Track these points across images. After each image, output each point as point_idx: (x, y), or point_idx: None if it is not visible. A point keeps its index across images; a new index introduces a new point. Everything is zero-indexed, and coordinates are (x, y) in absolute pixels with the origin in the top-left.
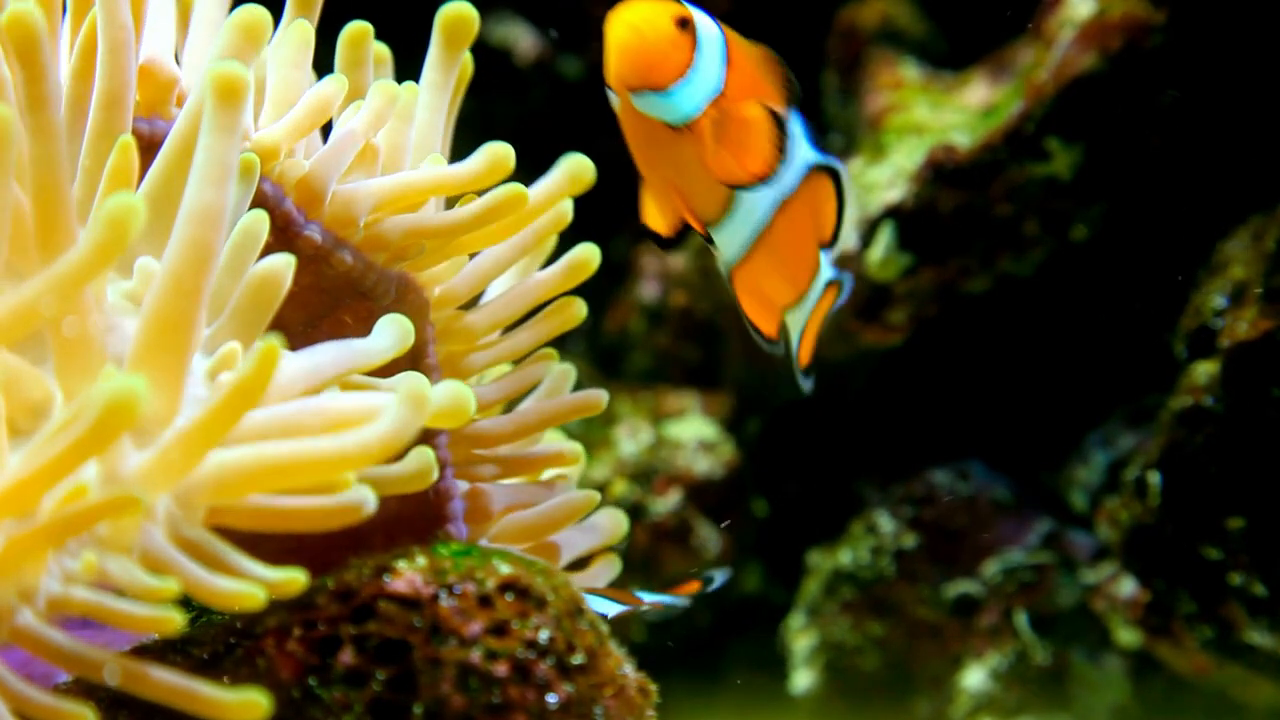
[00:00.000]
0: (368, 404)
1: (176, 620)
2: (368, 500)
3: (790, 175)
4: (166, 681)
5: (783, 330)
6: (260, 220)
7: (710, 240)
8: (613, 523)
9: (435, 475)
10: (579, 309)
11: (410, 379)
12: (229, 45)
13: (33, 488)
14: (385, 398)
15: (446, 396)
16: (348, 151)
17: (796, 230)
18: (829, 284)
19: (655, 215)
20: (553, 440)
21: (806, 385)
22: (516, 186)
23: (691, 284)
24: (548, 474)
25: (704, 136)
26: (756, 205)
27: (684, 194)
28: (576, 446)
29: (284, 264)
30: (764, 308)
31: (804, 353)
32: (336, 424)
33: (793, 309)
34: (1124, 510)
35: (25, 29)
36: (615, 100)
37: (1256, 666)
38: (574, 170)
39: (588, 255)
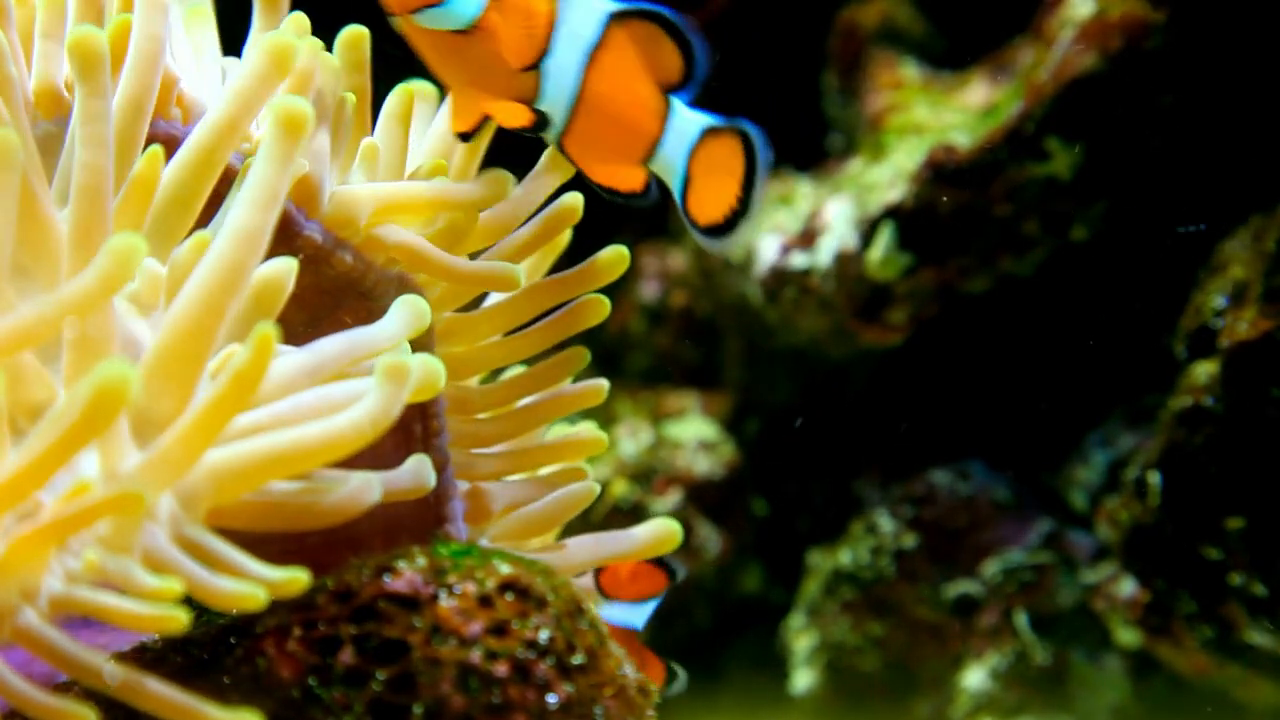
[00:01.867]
0: (356, 389)
1: (181, 619)
2: (373, 487)
3: (588, 30)
4: (163, 695)
5: (653, 183)
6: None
7: (536, 130)
8: (664, 532)
9: (432, 483)
10: (599, 308)
11: (388, 358)
12: (260, 71)
13: (29, 478)
14: (370, 381)
15: (417, 371)
16: (336, 149)
17: (615, 80)
18: (709, 130)
19: (458, 119)
20: (564, 429)
21: (707, 243)
22: (511, 270)
23: (691, 284)
24: (546, 471)
25: (494, 31)
26: (564, 72)
27: (492, 90)
28: (597, 433)
29: (286, 268)
30: (613, 165)
31: (696, 204)
32: (329, 412)
33: (651, 159)
34: (1124, 510)
35: (91, 49)
36: (398, 25)
37: (1256, 666)
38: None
39: (613, 259)
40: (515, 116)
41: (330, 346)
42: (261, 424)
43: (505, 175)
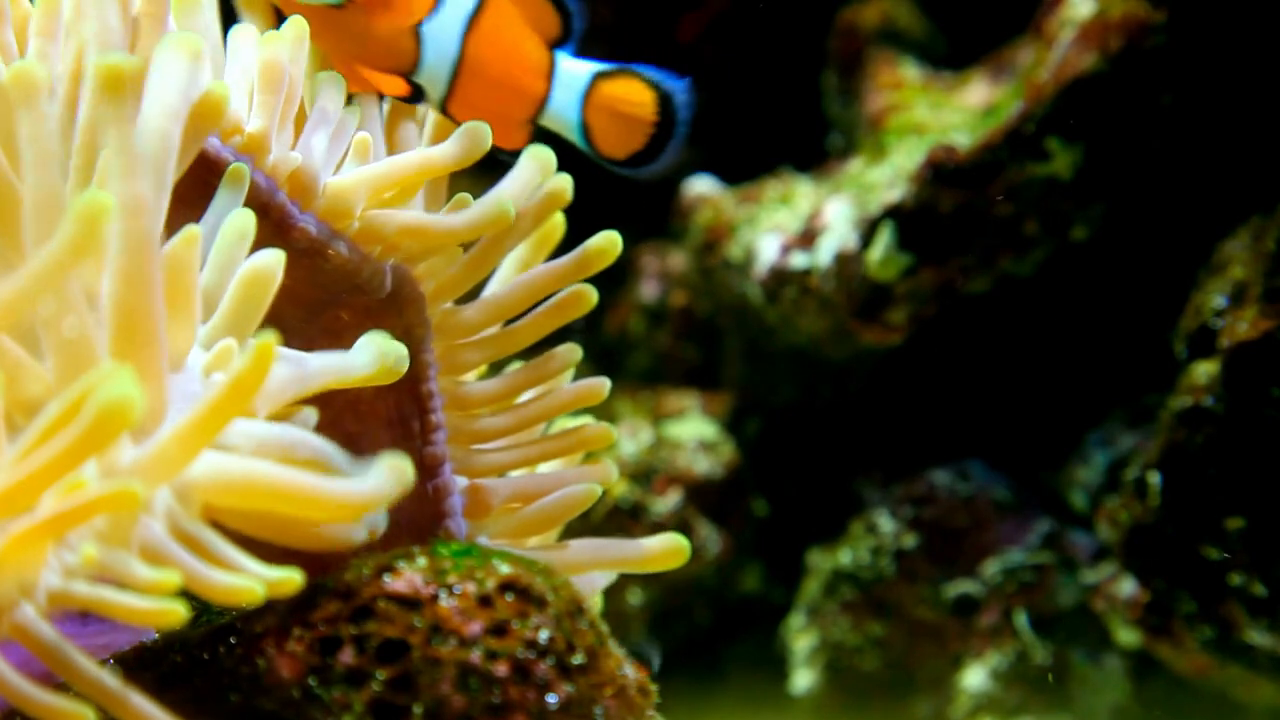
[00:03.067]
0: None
1: (179, 612)
2: (358, 533)
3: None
4: (144, 712)
5: (543, 135)
6: (247, 217)
7: (415, 101)
8: (671, 546)
9: (381, 529)
10: (587, 298)
11: (392, 459)
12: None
13: (27, 491)
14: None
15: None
16: (335, 142)
17: (495, 44)
18: (599, 75)
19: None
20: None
21: (633, 173)
22: (501, 205)
23: (691, 284)
24: (545, 467)
25: (369, 4)
26: (443, 39)
27: (373, 61)
28: (603, 426)
29: (274, 259)
30: (501, 122)
31: (606, 143)
32: (321, 464)
33: (541, 115)
34: (1124, 510)
35: (27, 81)
36: (275, 1)
37: (1257, 666)
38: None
39: (605, 245)
40: (393, 88)
41: (314, 366)
42: (257, 440)
43: (483, 127)
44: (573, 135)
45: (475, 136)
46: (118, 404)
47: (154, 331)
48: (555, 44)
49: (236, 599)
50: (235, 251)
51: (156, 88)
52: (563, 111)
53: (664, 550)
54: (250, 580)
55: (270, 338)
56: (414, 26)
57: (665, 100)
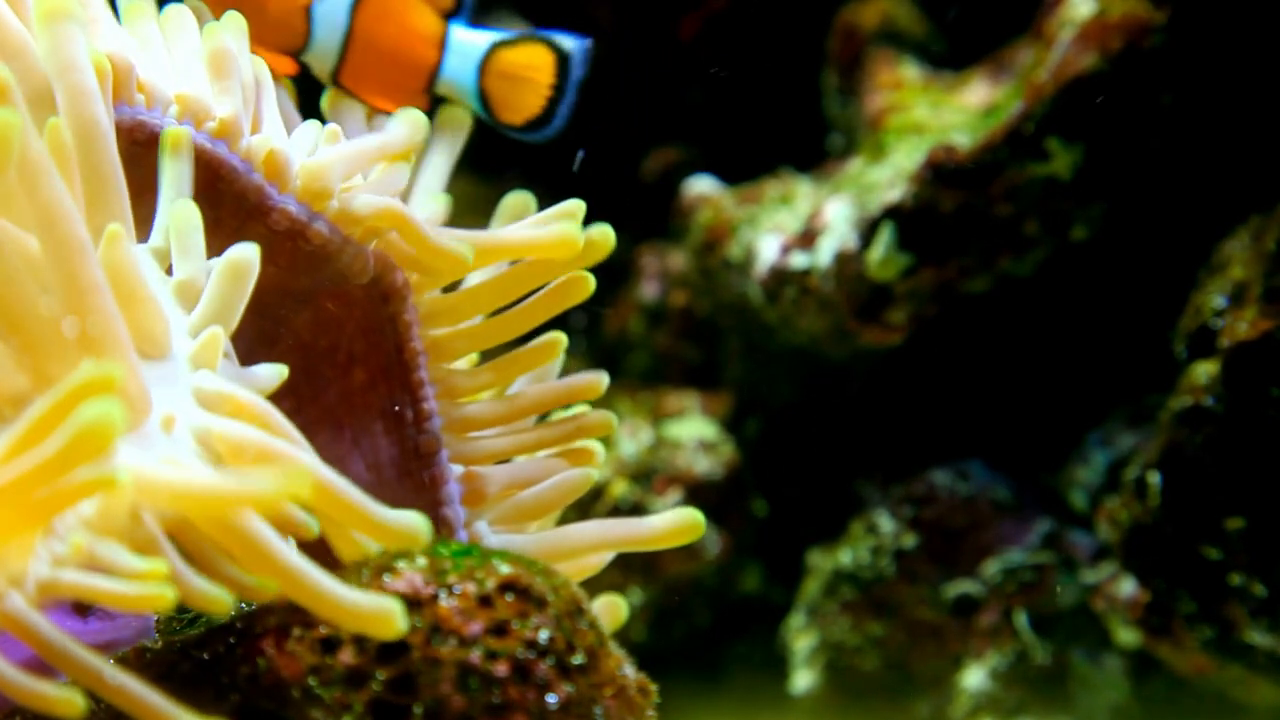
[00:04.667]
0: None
1: (168, 597)
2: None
3: None
4: (139, 695)
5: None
6: (190, 208)
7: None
8: (685, 521)
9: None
10: (584, 285)
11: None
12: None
13: (8, 498)
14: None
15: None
16: (301, 131)
17: (383, 16)
18: (500, 44)
19: None
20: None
21: (528, 138)
22: (465, 255)
23: (691, 284)
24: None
25: None
26: (333, 14)
27: (264, 40)
28: (603, 413)
29: (250, 250)
30: (395, 92)
31: (505, 109)
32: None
33: (435, 84)
34: (1124, 510)
35: None
36: None
37: (1257, 666)
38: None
39: (597, 237)
40: (282, 67)
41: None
42: (240, 444)
43: (420, 114)
44: (470, 101)
45: (412, 121)
46: (98, 426)
47: (111, 319)
48: (449, 14)
49: (213, 607)
50: (194, 236)
51: (65, 69)
52: (457, 78)
53: (675, 526)
54: (225, 591)
55: (275, 371)
56: (304, 6)
57: (563, 62)
